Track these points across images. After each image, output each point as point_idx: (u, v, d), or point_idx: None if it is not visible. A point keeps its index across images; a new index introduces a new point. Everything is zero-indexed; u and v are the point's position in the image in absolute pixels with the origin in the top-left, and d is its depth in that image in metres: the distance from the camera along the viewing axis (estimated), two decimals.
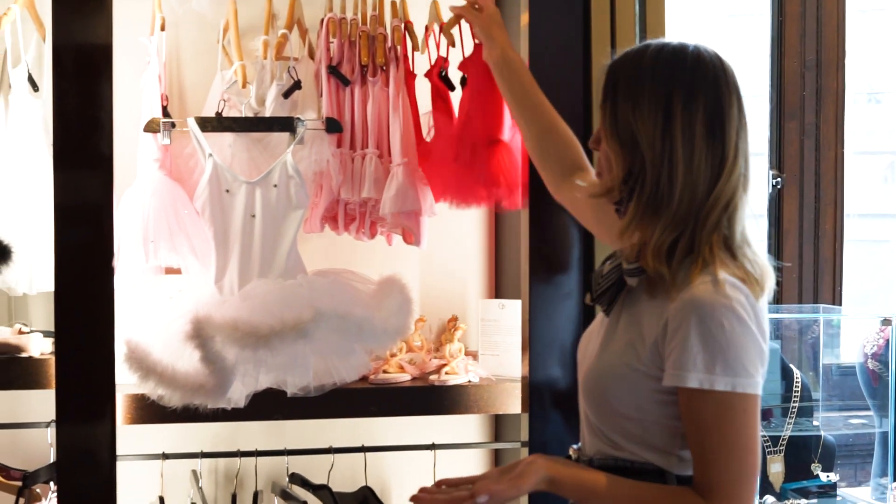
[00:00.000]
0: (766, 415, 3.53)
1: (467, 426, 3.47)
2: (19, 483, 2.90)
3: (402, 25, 3.02)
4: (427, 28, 3.06)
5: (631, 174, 1.91)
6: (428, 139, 3.09)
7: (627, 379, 1.92)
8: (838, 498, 3.53)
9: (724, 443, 1.83)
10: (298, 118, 2.90)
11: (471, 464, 3.49)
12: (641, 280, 1.94)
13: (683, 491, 1.89)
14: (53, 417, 2.67)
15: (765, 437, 3.41)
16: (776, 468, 3.50)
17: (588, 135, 2.95)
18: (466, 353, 3.17)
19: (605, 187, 1.98)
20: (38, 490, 2.97)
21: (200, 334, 2.59)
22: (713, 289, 1.83)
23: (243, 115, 2.97)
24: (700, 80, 1.88)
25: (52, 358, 2.74)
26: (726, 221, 1.89)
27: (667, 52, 1.92)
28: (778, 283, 2.00)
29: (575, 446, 2.16)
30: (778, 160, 3.84)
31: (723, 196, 1.87)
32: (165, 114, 2.96)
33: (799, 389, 3.52)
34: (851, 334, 3.86)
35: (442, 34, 2.99)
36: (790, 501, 3.46)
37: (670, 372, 1.85)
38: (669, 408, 1.90)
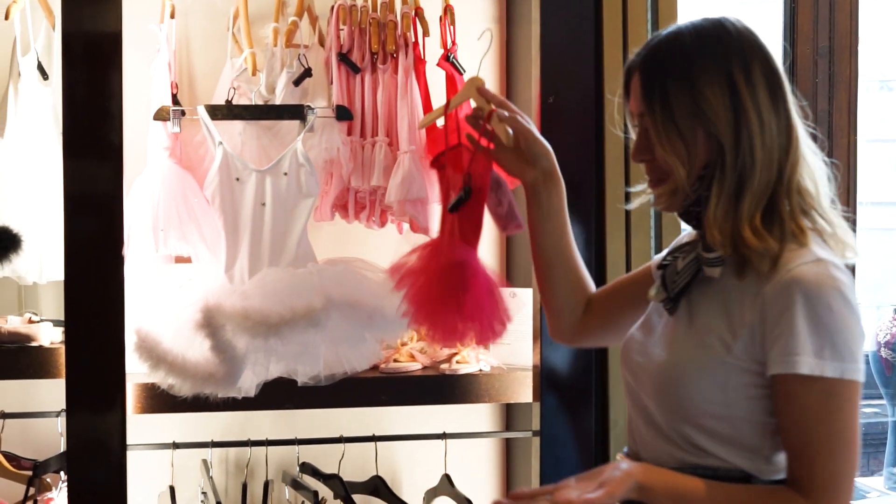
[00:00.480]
0: None
1: (478, 415, 3.46)
2: (30, 472, 2.91)
3: (413, 12, 3.01)
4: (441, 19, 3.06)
5: (707, 165, 1.80)
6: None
7: (715, 374, 1.79)
8: None
9: (827, 435, 1.72)
10: (309, 106, 2.89)
11: (481, 453, 3.49)
12: (724, 268, 1.83)
13: (783, 490, 1.77)
14: (64, 407, 2.67)
15: None
16: None
17: (600, 124, 2.97)
18: None
19: (672, 191, 1.84)
20: (48, 479, 2.97)
21: (211, 323, 2.59)
22: (816, 268, 1.73)
23: (253, 103, 2.96)
24: (748, 48, 1.80)
25: (63, 347, 2.74)
26: (807, 185, 1.82)
27: (706, 31, 1.83)
28: None
29: (624, 452, 2.02)
30: None
31: (797, 160, 1.80)
32: (175, 102, 2.95)
33: None
34: (864, 323, 3.84)
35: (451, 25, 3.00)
36: None
37: (779, 359, 1.73)
38: (761, 402, 1.79)
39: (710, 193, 1.80)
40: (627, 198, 2.94)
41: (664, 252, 2.08)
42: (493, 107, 2.06)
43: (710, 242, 1.82)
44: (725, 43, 1.81)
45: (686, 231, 2.05)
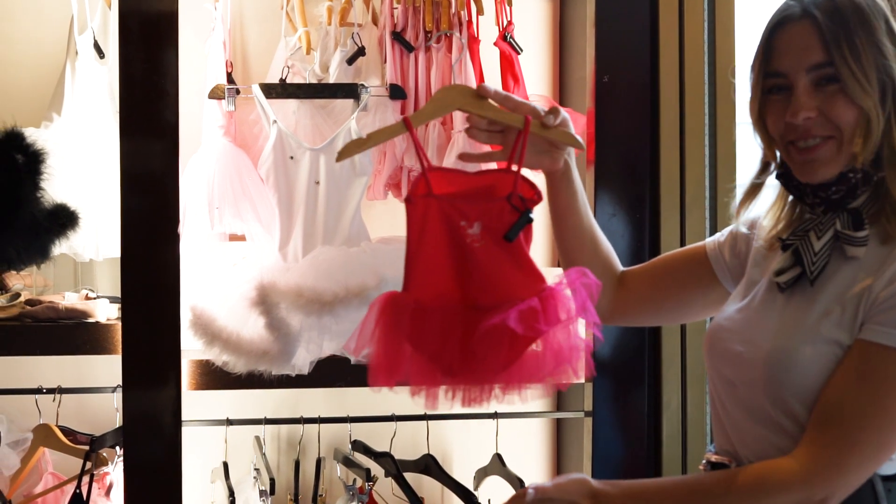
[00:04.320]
0: None
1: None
2: (86, 447, 2.92)
3: None
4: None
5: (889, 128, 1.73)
6: None
7: (832, 358, 1.71)
8: None
9: (872, 404, 1.65)
10: (362, 85, 2.89)
11: (533, 433, 3.48)
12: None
13: (757, 467, 1.73)
14: (119, 382, 2.69)
15: None
16: None
17: (656, 104, 2.94)
18: None
19: (851, 157, 1.74)
20: (104, 454, 2.99)
21: (265, 301, 2.60)
22: None
23: (307, 82, 2.96)
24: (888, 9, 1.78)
25: (119, 324, 2.76)
26: None
27: None
28: None
29: (712, 449, 1.94)
30: None
31: None
32: (230, 80, 2.96)
33: None
34: None
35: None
36: None
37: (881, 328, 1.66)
38: None
39: (883, 147, 1.74)
40: (683, 185, 2.95)
41: (727, 231, 2.05)
42: (529, 114, 1.86)
43: (889, 207, 1.74)
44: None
45: (754, 213, 1.98)
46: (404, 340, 1.82)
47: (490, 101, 1.88)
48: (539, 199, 1.86)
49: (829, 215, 1.79)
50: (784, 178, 1.86)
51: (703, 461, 1.93)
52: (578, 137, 1.91)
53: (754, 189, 1.94)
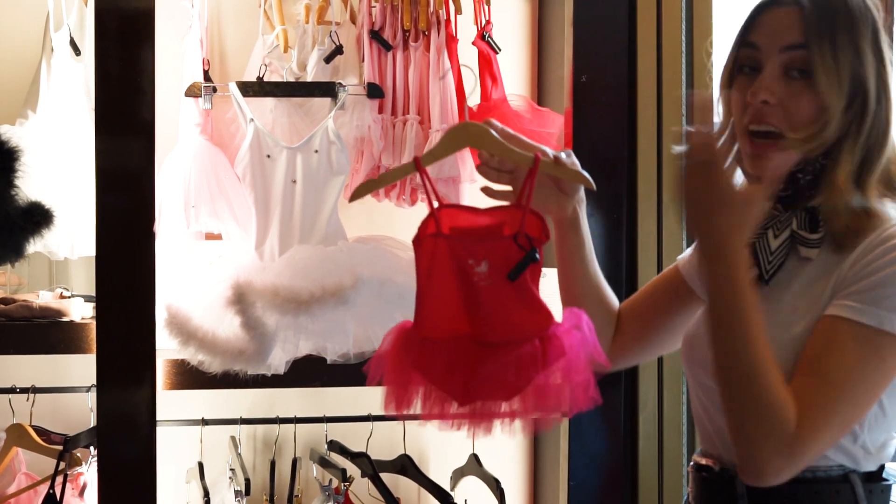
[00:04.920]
0: None
1: None
2: (60, 447, 2.91)
3: None
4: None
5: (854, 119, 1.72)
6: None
7: None
8: None
9: (845, 371, 1.63)
10: (340, 83, 2.88)
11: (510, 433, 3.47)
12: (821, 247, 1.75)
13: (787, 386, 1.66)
14: (94, 382, 2.67)
15: None
16: None
17: (633, 104, 2.94)
18: None
19: (800, 158, 1.75)
20: (78, 454, 2.97)
21: (241, 300, 2.59)
22: None
23: (284, 80, 2.96)
24: (875, 9, 1.77)
25: (93, 322, 2.74)
26: None
27: None
28: None
29: (699, 451, 1.92)
30: None
31: None
32: (207, 78, 2.95)
33: None
34: None
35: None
36: None
37: (851, 304, 1.65)
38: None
39: (840, 152, 1.73)
40: (661, 185, 2.95)
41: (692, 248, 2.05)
42: (538, 153, 1.84)
43: (830, 208, 1.73)
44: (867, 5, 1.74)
45: None
46: (414, 370, 1.83)
47: (500, 140, 1.86)
48: (547, 238, 1.83)
49: (788, 213, 1.79)
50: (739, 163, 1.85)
51: (692, 464, 1.92)
52: (589, 177, 1.89)
53: None
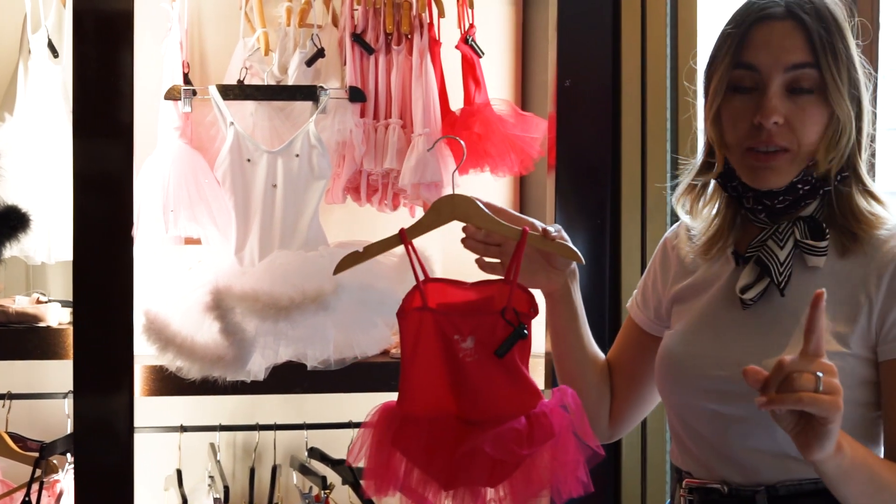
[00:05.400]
0: None
1: None
2: (36, 454, 2.89)
3: None
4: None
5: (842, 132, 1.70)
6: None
7: (839, 368, 1.57)
8: None
9: None
10: (321, 87, 2.86)
11: None
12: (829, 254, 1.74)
13: None
14: (71, 388, 2.65)
15: None
16: None
17: (617, 109, 2.93)
18: None
19: (803, 168, 1.71)
20: (54, 461, 2.95)
21: (220, 305, 2.57)
22: None
23: (265, 84, 2.93)
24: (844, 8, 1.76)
25: (70, 328, 2.73)
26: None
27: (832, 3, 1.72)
28: None
29: (687, 476, 1.86)
30: None
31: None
32: (186, 81, 2.93)
33: None
34: None
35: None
36: None
37: None
38: (872, 391, 1.69)
39: (853, 162, 1.73)
40: (644, 190, 2.93)
41: (639, 284, 2.02)
42: (526, 226, 1.83)
43: (850, 218, 1.72)
44: (841, 15, 1.72)
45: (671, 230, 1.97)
46: (395, 451, 1.81)
47: (487, 213, 1.85)
48: (535, 313, 1.82)
49: (786, 224, 1.76)
50: (724, 177, 1.81)
51: (685, 488, 1.85)
52: (578, 252, 1.86)
53: (693, 188, 1.90)
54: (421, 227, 1.87)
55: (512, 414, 1.76)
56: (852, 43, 1.71)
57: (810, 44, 1.67)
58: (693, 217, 1.92)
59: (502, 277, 1.85)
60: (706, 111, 1.80)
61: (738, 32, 1.73)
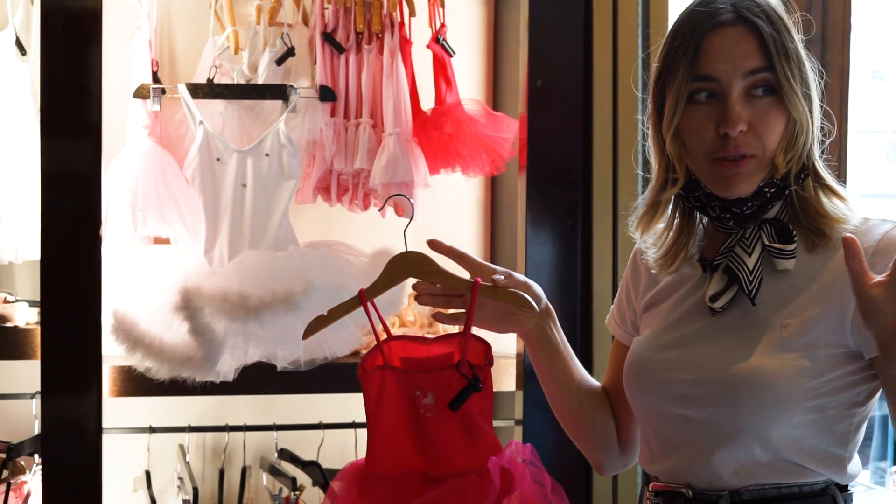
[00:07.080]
0: None
1: None
2: (3, 455, 2.87)
3: None
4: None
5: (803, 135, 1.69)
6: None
7: (808, 370, 1.61)
8: None
9: None
10: (291, 86, 2.85)
11: None
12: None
13: None
14: (38, 389, 2.64)
15: None
16: None
17: (589, 109, 2.93)
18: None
19: (757, 168, 1.69)
20: (22, 462, 2.93)
21: (189, 305, 2.55)
22: None
23: (235, 82, 2.92)
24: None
25: (38, 328, 2.71)
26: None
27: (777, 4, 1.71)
28: None
29: (653, 477, 1.83)
30: None
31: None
32: (155, 80, 2.91)
33: None
34: None
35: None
36: None
37: None
38: (854, 389, 1.66)
39: (810, 159, 1.71)
40: (616, 191, 2.94)
41: (616, 300, 2.00)
42: (482, 275, 1.83)
43: (815, 215, 1.71)
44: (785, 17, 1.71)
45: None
46: None
47: (439, 268, 1.84)
48: (490, 364, 1.82)
49: (752, 228, 1.75)
50: (684, 189, 1.79)
51: (651, 492, 1.83)
52: (530, 298, 1.83)
53: (656, 206, 1.88)
54: (378, 288, 1.86)
55: (468, 469, 1.78)
56: (798, 40, 1.71)
57: (764, 47, 1.67)
58: (644, 235, 1.90)
59: (457, 332, 1.85)
60: (665, 127, 1.77)
61: (690, 45, 1.71)
